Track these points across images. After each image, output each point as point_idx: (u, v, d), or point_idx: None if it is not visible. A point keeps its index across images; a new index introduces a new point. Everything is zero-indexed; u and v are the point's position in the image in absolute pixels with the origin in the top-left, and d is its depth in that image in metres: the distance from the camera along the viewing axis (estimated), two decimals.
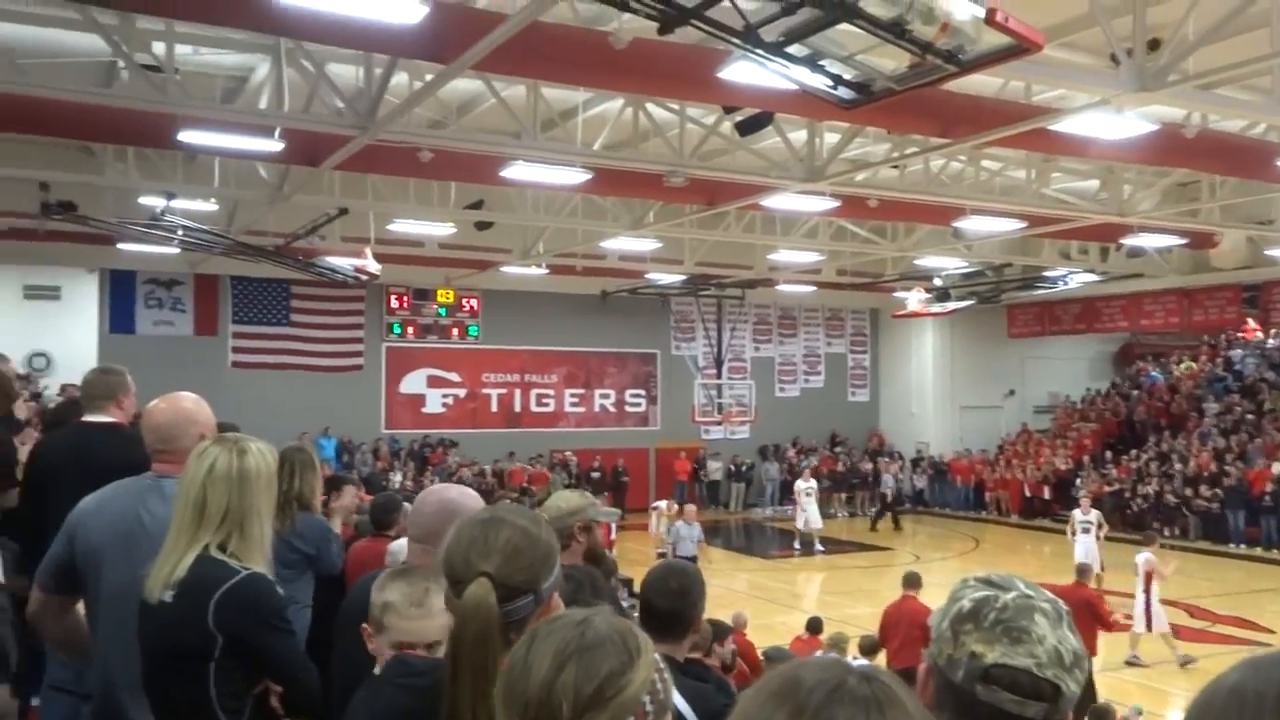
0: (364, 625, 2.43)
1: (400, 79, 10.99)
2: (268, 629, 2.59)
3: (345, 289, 22.42)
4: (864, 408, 30.32)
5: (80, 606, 3.10)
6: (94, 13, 9.39)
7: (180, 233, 16.89)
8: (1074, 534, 16.38)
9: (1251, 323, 23.52)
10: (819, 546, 21.15)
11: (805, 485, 21.43)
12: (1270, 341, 26.38)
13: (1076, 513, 16.95)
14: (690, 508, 15.41)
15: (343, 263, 19.08)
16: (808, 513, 21.08)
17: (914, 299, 23.81)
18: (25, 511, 4.09)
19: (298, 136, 12.06)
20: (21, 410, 6.53)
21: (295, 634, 2.72)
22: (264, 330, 23.33)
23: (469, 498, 2.73)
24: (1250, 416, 24.29)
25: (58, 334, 20.90)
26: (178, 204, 16.08)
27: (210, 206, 17.58)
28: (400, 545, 4.25)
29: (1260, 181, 14.05)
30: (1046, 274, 23.28)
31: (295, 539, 4.55)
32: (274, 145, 11.88)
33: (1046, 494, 25.24)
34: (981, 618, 1.46)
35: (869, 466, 27.61)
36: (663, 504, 19.01)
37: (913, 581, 9.85)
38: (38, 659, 3.54)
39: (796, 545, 21.33)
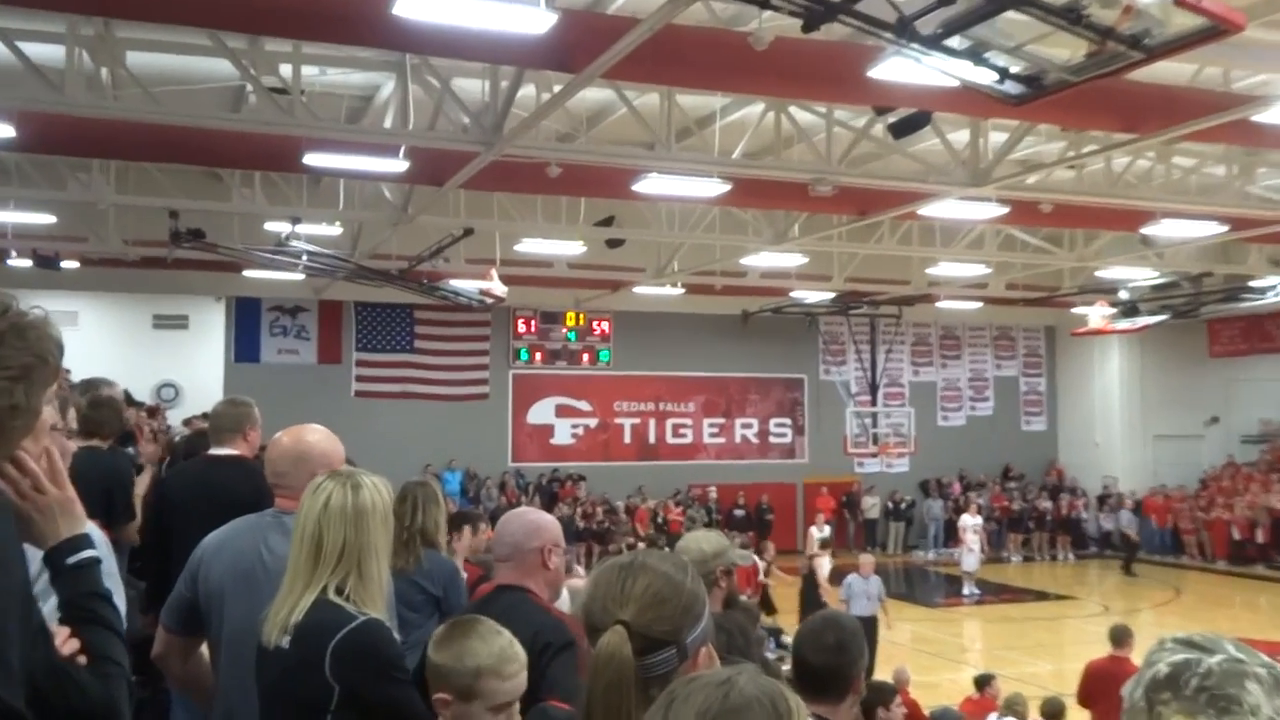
0: (439, 695, 2.45)
1: (527, 91, 11.26)
2: (386, 679, 2.64)
3: (470, 313, 23.01)
4: (1040, 438, 29.32)
5: (205, 648, 3.24)
6: (223, 37, 9.99)
7: (305, 258, 17.65)
8: None
9: None
10: (975, 590, 20.71)
11: (973, 522, 20.86)
12: None
13: None
14: (867, 559, 14.41)
15: (467, 285, 19.58)
16: (973, 553, 20.52)
17: (1096, 315, 22.92)
18: (150, 548, 4.31)
19: (422, 155, 12.49)
20: (147, 448, 6.92)
21: (411, 683, 2.76)
22: (387, 358, 24.12)
23: (546, 521, 2.98)
24: None
25: (185, 364, 22.15)
26: (303, 229, 16.82)
27: (335, 230, 18.36)
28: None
29: None
30: (1253, 284, 22.02)
31: (421, 578, 4.60)
32: (398, 165, 12.34)
33: (1259, 537, 23.75)
34: (1182, 685, 1.38)
35: (1047, 504, 26.63)
36: (822, 533, 18.66)
37: (1123, 638, 9.31)
38: (164, 702, 3.71)
39: (966, 591, 20.83)
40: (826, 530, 18.94)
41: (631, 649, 1.72)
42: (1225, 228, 15.94)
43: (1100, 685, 8.97)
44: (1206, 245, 19.01)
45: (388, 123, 12.51)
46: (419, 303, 22.82)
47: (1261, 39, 9.26)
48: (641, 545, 14.86)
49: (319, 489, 2.72)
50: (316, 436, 3.38)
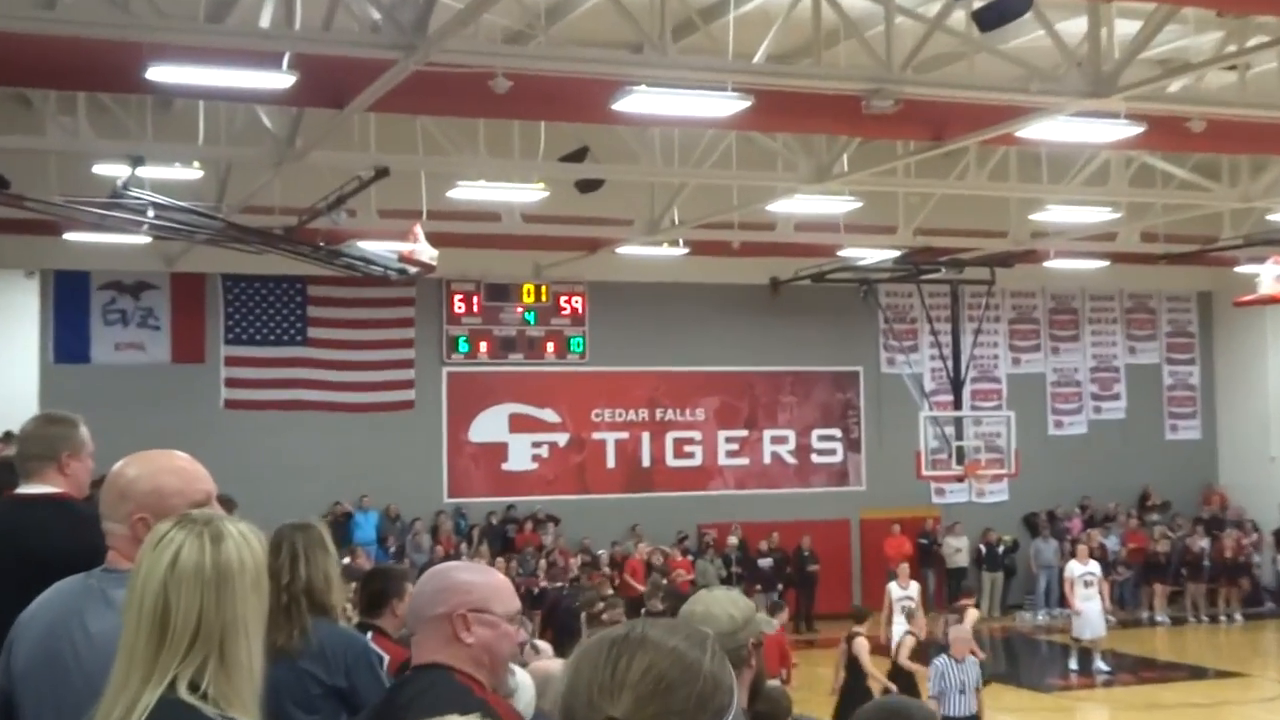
0: None
1: None
2: None
3: (386, 288, 22.96)
4: (1193, 450, 29.46)
5: None
6: None
7: (151, 214, 17.55)
8: None
9: None
10: (1101, 665, 20.79)
11: (1083, 570, 20.84)
12: None
13: None
14: (962, 633, 14.14)
15: (382, 249, 19.51)
16: (1084, 613, 20.53)
17: (1270, 275, 22.89)
18: None
19: (315, 65, 12.40)
20: None
21: None
22: (270, 353, 24.09)
23: (459, 580, 3.05)
24: None
25: None
26: (146, 172, 16.70)
27: (193, 174, 18.25)
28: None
29: None
30: None
31: (313, 663, 4.53)
32: (281, 80, 12.27)
33: None
34: None
35: (1204, 543, 26.57)
36: (905, 592, 18.54)
37: None
38: None
39: (1073, 665, 21.02)
40: (912, 589, 18.90)
41: None
42: None
43: None
44: None
45: (265, 21, 12.45)
46: (313, 274, 22.78)
47: None
48: (614, 612, 14.78)
49: (164, 541, 2.66)
50: (167, 465, 3.36)
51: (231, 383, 23.95)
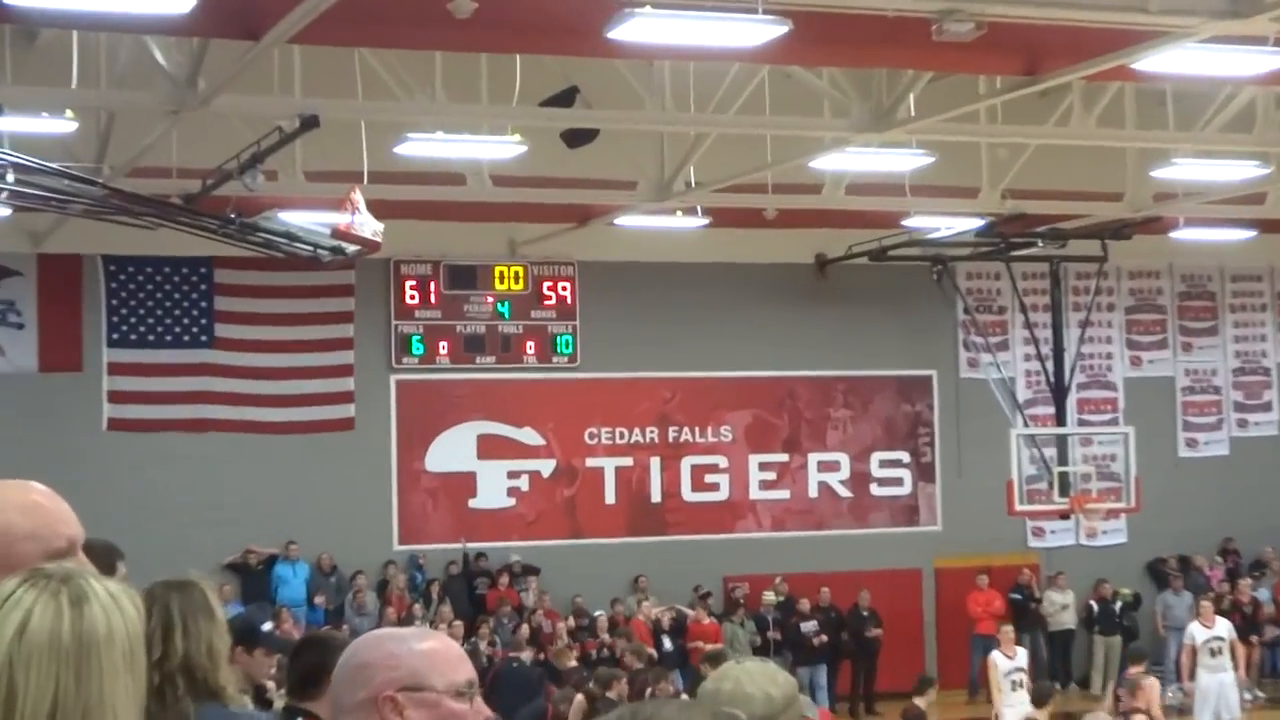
0: None
1: None
2: None
3: (316, 273, 22.89)
4: None
5: None
6: None
7: (10, 177, 17.52)
8: None
9: None
10: None
11: (1207, 635, 20.72)
12: None
13: None
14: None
15: (311, 222, 19.49)
16: (1206, 690, 20.46)
17: None
18: None
19: None
20: None
21: None
22: (167, 359, 24.07)
23: (385, 653, 2.94)
24: None
25: None
26: (5, 124, 16.74)
27: (65, 125, 18.19)
28: None
29: None
30: None
31: None
32: (179, 3, 12.27)
33: None
34: None
35: None
36: (1014, 662, 18.49)
37: None
38: None
39: None
40: (1020, 657, 18.81)
41: None
42: None
43: None
44: None
45: None
46: (222, 255, 22.77)
47: None
48: (615, 689, 14.75)
49: (9, 603, 2.66)
50: (18, 501, 3.36)
51: (116, 396, 23.94)
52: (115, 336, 23.93)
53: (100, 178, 18.62)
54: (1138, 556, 27.66)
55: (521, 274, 25.50)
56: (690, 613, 24.67)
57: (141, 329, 24.00)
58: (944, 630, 26.92)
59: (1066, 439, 26.29)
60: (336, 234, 18.99)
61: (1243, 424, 29.07)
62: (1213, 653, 20.73)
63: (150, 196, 18.97)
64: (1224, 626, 21.40)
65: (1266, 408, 29.20)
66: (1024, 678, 17.63)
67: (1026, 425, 26.55)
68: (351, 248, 19.37)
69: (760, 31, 13.34)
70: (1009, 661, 18.65)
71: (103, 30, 15.25)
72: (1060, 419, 26.70)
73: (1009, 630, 20.23)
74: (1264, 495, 28.26)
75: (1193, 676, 20.97)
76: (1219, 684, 20.67)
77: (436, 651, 3.02)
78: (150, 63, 16.25)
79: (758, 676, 3.46)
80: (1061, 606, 26.83)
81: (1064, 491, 25.53)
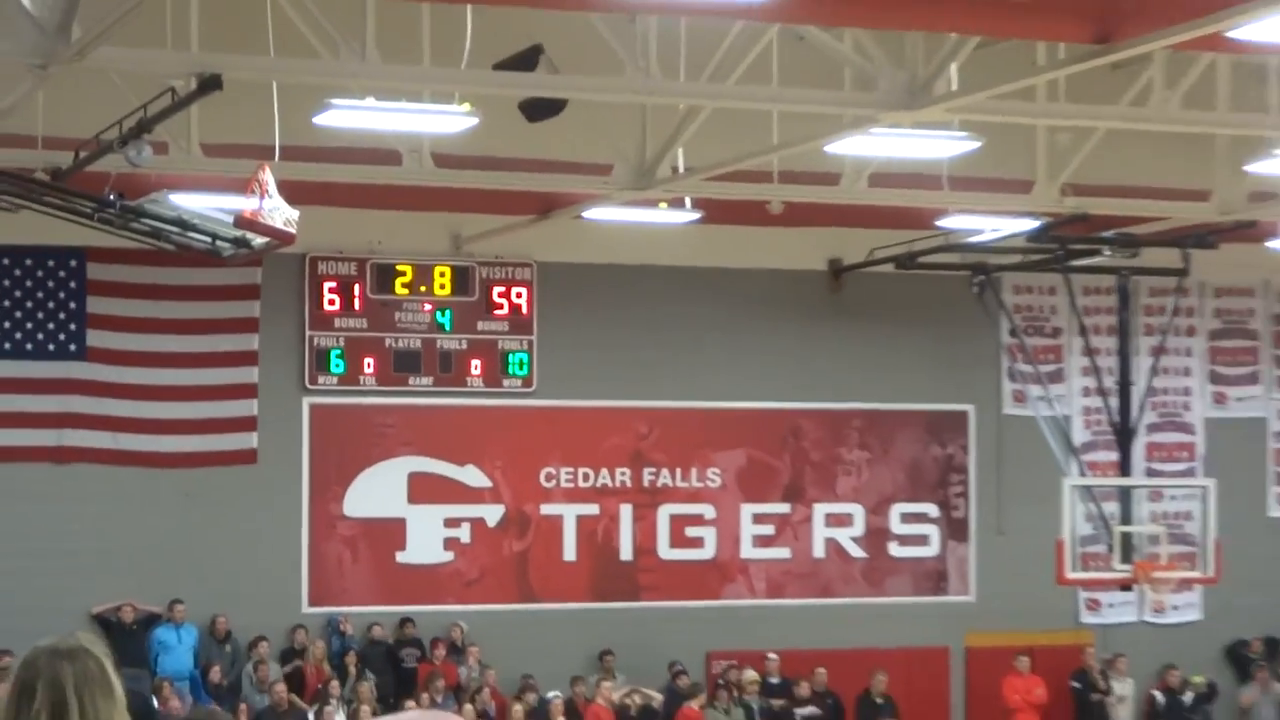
0: None
1: None
2: None
3: (216, 269, 22.84)
4: None
5: None
6: None
7: None
8: None
9: None
10: None
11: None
12: None
13: None
14: None
15: (209, 206, 19.41)
16: None
17: None
18: None
19: None
20: None
21: None
22: (26, 372, 23.93)
23: None
24: None
25: None
26: None
27: None
28: None
29: None
30: None
31: None
32: None
33: None
34: None
35: None
36: None
37: None
38: None
39: None
40: None
41: None
42: None
43: None
44: None
45: None
46: (97, 245, 22.70)
47: None
48: None
49: None
50: None
51: None
52: None
53: None
54: (1215, 638, 27.81)
55: (468, 276, 25.49)
56: (658, 697, 24.59)
57: None
58: (977, 719, 26.91)
59: (1131, 492, 26.31)
60: (240, 222, 18.92)
61: None
62: None
63: (10, 170, 18.85)
64: None
65: None
66: None
67: (1083, 474, 26.63)
68: (258, 239, 19.32)
69: None
70: None
71: None
72: (1125, 468, 26.74)
73: None
74: None
75: None
76: None
77: None
78: (12, 4, 16.10)
79: None
80: (1121, 697, 26.90)
81: (1127, 556, 25.54)
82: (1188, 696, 27.00)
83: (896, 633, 26.67)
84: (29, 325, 23.86)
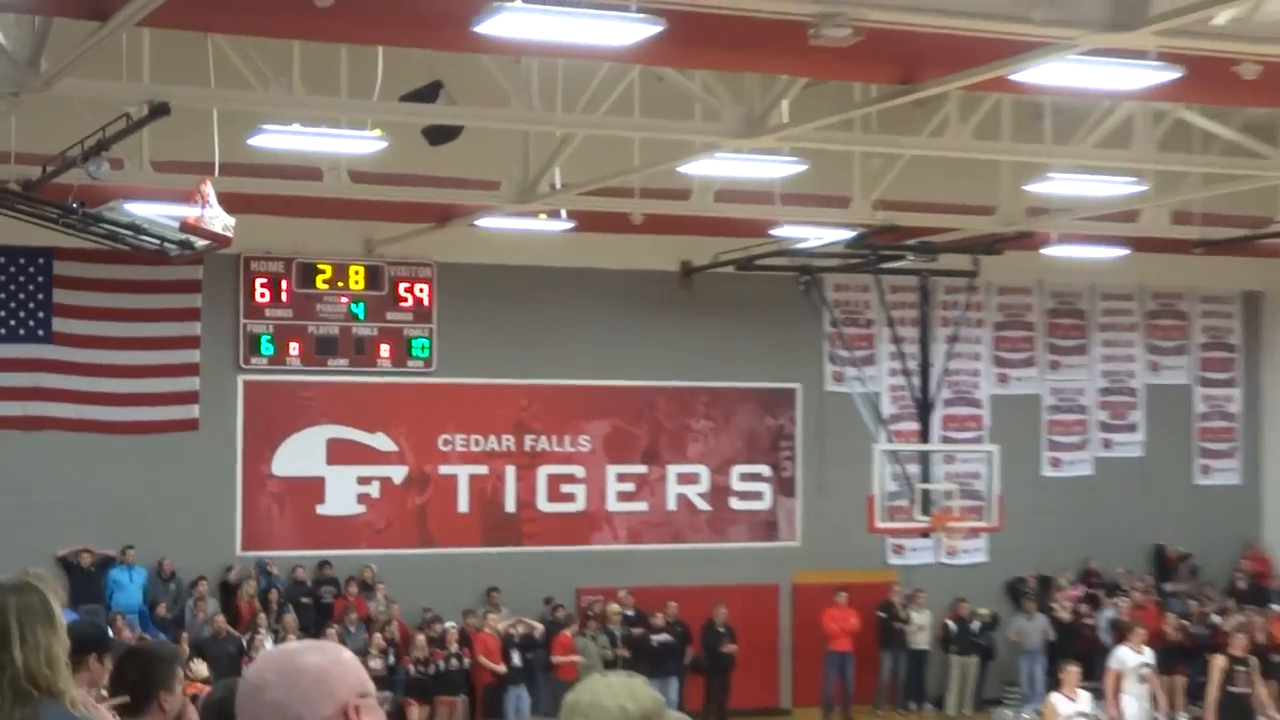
0: None
1: None
2: None
3: (163, 267, 22.55)
4: (1229, 499, 30.05)
5: None
6: None
7: None
8: None
9: None
10: None
11: (1137, 660, 20.77)
12: None
13: None
14: None
15: (158, 214, 19.16)
16: (1131, 716, 20.49)
17: None
18: None
19: None
20: None
21: None
22: (3, 354, 23.53)
23: (336, 659, 2.90)
24: None
25: None
26: None
27: None
28: None
29: None
30: None
31: None
32: None
33: None
34: None
35: (1237, 620, 26.48)
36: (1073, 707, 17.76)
37: None
38: None
39: None
40: (1083, 700, 18.33)
41: None
42: None
43: None
44: None
45: None
46: (62, 247, 22.34)
47: None
48: None
49: None
50: None
51: None
52: None
53: None
54: (997, 576, 27.96)
55: (378, 275, 25.29)
56: (538, 626, 24.57)
57: None
58: (800, 647, 27.09)
59: (930, 456, 26.46)
60: (185, 227, 18.67)
61: (1107, 444, 29.50)
62: (1141, 679, 20.80)
63: None
64: (1150, 654, 21.46)
65: (1131, 429, 29.64)
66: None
67: (890, 441, 26.75)
68: (200, 242, 19.06)
69: (632, 30, 13.20)
70: (1071, 705, 18.25)
71: None
72: (925, 436, 26.85)
73: (1074, 670, 19.50)
74: (1126, 517, 28.74)
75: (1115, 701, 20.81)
76: (1146, 713, 20.76)
77: (356, 660, 2.96)
78: None
79: (617, 690, 3.36)
80: (919, 626, 27.06)
81: (926, 509, 25.66)
82: (975, 625, 27.14)
83: (735, 572, 26.71)
84: (3, 313, 23.49)
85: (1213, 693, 20.53)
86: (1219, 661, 20.76)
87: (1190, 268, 28.03)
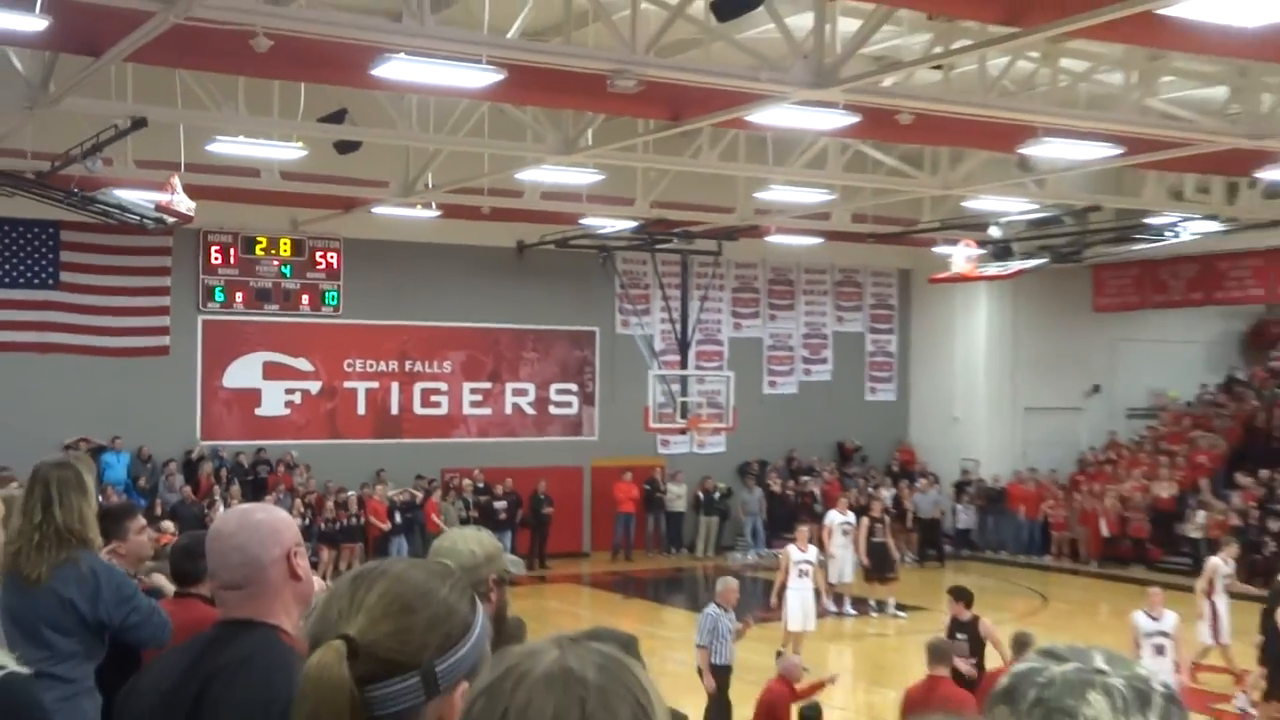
0: None
1: None
2: None
3: (142, 236, 21.97)
4: (888, 410, 30.61)
5: None
6: None
7: None
8: (1212, 594, 15.62)
9: None
10: (849, 608, 21.17)
11: (842, 519, 21.18)
12: None
13: (1216, 561, 16.24)
14: (730, 583, 13.15)
15: (138, 198, 18.70)
16: (839, 559, 20.73)
17: (961, 256, 23.89)
18: None
19: (70, 11, 11.67)
20: None
21: None
22: (19, 295, 22.82)
23: (279, 516, 2.90)
24: None
25: None
26: None
27: None
28: None
29: None
30: (1149, 221, 23.46)
31: (78, 593, 4.55)
32: (34, 23, 11.49)
33: (1143, 531, 25.62)
34: (1019, 697, 1.53)
35: (889, 493, 27.17)
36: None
37: (940, 654, 9.87)
38: None
39: (832, 605, 20.38)
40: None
41: (354, 672, 1.73)
42: (1120, 150, 16.76)
43: (916, 711, 9.66)
44: (1096, 172, 20.07)
45: None
46: (67, 220, 21.67)
47: None
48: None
49: None
50: None
51: None
52: None
53: None
54: (731, 462, 28.23)
55: (301, 245, 24.85)
56: (416, 494, 24.42)
57: (0, 271, 22.82)
58: (596, 510, 27.23)
59: (687, 379, 26.64)
60: (158, 208, 18.28)
61: (807, 372, 29.91)
62: (844, 533, 20.89)
63: (8, 171, 18.00)
64: (852, 516, 21.42)
65: (823, 361, 30.11)
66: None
67: (659, 369, 26.86)
68: (170, 219, 18.67)
69: (482, 78, 13.08)
70: (801, 554, 17.32)
71: None
72: (684, 364, 27.05)
73: (803, 529, 18.47)
74: (818, 422, 29.27)
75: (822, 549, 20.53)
76: (846, 557, 20.87)
77: (291, 520, 2.99)
78: (9, 68, 15.27)
79: (469, 539, 3.49)
80: (677, 495, 27.37)
81: (683, 415, 25.90)
82: (716, 495, 27.46)
83: (552, 458, 26.73)
84: (22, 267, 22.80)
85: (862, 542, 21.00)
86: (864, 521, 21.22)
87: (864, 252, 28.49)
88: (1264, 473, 25.20)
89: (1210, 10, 10.61)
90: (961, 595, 12.39)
